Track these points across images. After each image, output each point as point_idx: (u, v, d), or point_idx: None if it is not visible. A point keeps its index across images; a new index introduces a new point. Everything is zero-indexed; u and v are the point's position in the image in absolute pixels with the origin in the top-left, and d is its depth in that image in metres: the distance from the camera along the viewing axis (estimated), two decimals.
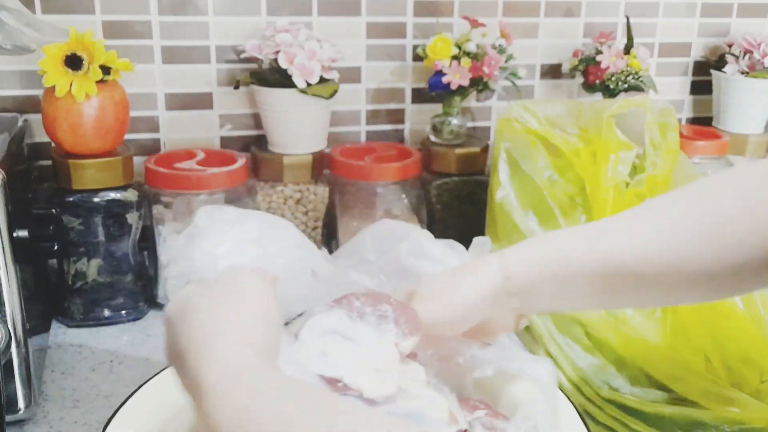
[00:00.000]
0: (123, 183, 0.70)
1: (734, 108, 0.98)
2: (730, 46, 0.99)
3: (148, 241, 0.74)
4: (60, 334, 0.70)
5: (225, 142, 0.85)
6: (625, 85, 0.90)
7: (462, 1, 0.89)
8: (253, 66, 0.81)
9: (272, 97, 0.78)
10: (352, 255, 0.66)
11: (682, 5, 0.99)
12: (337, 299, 0.43)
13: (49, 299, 0.72)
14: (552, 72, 0.96)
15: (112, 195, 0.69)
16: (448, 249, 0.51)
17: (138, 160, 0.74)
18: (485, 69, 0.81)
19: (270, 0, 0.82)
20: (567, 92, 0.98)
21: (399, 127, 0.92)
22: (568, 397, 0.47)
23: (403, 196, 0.82)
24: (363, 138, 0.91)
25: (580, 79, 0.94)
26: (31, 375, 0.56)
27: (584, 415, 0.57)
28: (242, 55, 0.79)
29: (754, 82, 0.95)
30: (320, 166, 0.81)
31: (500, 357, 0.43)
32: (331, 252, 0.72)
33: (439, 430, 0.38)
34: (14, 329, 0.53)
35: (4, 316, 0.53)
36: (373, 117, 0.90)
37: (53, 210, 0.66)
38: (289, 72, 0.75)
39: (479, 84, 0.83)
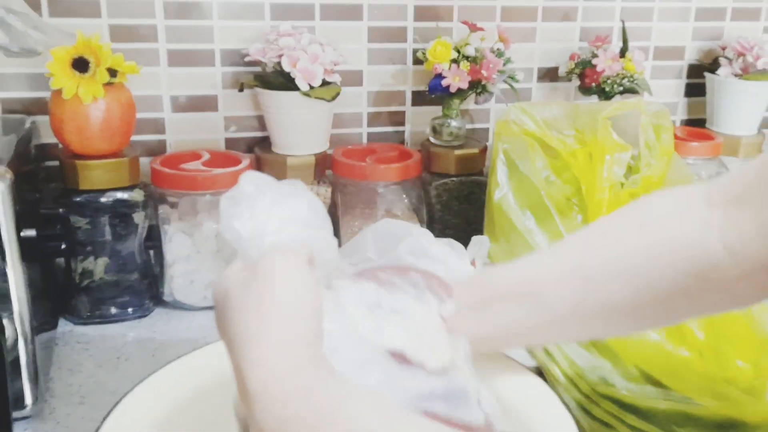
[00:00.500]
0: (129, 183, 0.71)
1: (728, 110, 0.99)
2: (723, 49, 1.00)
3: (154, 240, 0.75)
4: (67, 331, 0.71)
5: (230, 143, 0.86)
6: (621, 88, 0.91)
7: (461, 6, 0.90)
8: (257, 69, 0.82)
9: (276, 100, 0.79)
10: (353, 254, 0.67)
11: (676, 10, 1.00)
12: (358, 273, 0.41)
13: (57, 297, 0.72)
14: (549, 75, 0.97)
15: (119, 195, 0.70)
16: (448, 248, 0.52)
17: (144, 161, 0.75)
18: (484, 72, 0.82)
19: (274, 5, 0.83)
20: (564, 95, 0.99)
21: (399, 128, 0.93)
22: (560, 394, 0.48)
23: (404, 196, 0.83)
24: (364, 139, 0.92)
25: (576, 82, 0.95)
26: (38, 372, 0.56)
27: (580, 410, 0.58)
28: (246, 59, 0.80)
29: (747, 84, 0.96)
30: (322, 167, 0.82)
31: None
32: None
33: (473, 413, 0.36)
34: (22, 327, 0.54)
35: (12, 314, 0.53)
36: (374, 119, 0.91)
37: (60, 210, 0.67)
38: (293, 75, 0.76)
39: (478, 87, 0.84)
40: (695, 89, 1.05)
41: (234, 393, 0.34)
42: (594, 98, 0.94)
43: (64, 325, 0.72)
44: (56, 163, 0.72)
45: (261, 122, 0.85)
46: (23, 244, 0.54)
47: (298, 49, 0.76)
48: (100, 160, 0.69)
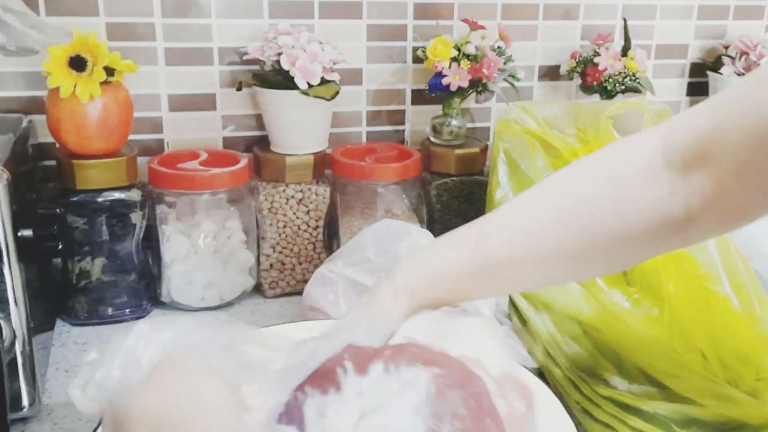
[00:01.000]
0: (127, 183, 0.70)
1: None
2: (726, 47, 1.00)
3: (151, 240, 0.75)
4: (64, 332, 0.70)
5: (228, 142, 0.86)
6: (623, 87, 0.91)
7: (462, 3, 0.90)
8: (256, 68, 0.82)
9: (274, 99, 0.78)
10: (353, 254, 0.67)
11: (678, 8, 0.99)
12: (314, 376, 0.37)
13: (54, 298, 0.72)
14: (550, 74, 0.97)
15: (116, 195, 0.70)
16: None
17: (142, 161, 0.74)
18: (484, 71, 0.82)
19: (272, 3, 0.83)
20: (565, 94, 0.99)
21: (399, 128, 0.92)
22: (561, 396, 0.48)
23: (404, 196, 0.83)
24: (364, 139, 0.91)
25: (578, 80, 0.94)
26: (36, 373, 0.56)
27: (581, 412, 0.58)
28: (245, 57, 0.80)
29: None
30: (322, 166, 0.82)
31: None
32: (332, 251, 0.73)
33: None
34: (19, 327, 0.54)
35: (9, 314, 0.53)
36: (373, 118, 0.91)
37: (57, 210, 0.67)
38: (291, 74, 0.75)
39: (478, 85, 0.84)
40: (698, 88, 1.04)
41: None
42: (596, 97, 0.93)
43: (61, 326, 0.72)
44: (53, 162, 0.71)
45: (259, 121, 0.85)
46: (20, 244, 0.54)
47: (297, 47, 0.76)
48: (97, 159, 0.69)
